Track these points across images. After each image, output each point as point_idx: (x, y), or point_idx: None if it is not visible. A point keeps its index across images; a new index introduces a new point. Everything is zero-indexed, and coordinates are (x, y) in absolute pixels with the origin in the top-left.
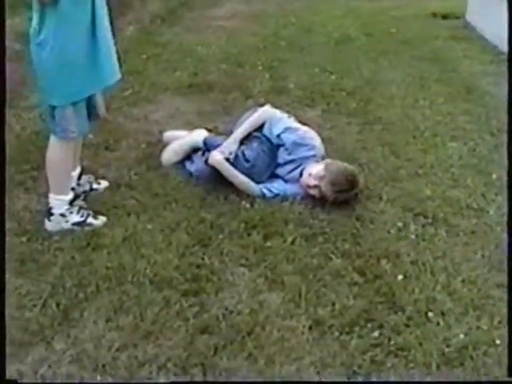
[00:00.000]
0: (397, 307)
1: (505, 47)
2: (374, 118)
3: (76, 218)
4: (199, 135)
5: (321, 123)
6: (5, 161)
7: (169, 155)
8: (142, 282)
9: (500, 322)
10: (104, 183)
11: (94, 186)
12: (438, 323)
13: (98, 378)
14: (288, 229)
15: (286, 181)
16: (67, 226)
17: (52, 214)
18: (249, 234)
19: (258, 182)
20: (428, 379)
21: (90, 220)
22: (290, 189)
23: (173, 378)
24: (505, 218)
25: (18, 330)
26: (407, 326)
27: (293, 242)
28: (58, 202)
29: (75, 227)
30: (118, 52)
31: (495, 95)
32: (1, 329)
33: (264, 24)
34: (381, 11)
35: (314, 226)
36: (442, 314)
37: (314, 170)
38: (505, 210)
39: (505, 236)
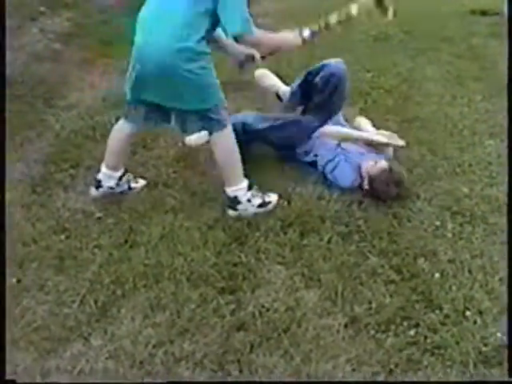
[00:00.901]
0: (434, 306)
1: None
2: (412, 116)
3: (258, 200)
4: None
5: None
6: (5, 160)
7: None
8: (178, 279)
9: None
10: (142, 182)
11: (133, 184)
12: (476, 322)
13: (135, 373)
14: (324, 226)
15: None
16: (253, 209)
17: (240, 203)
18: (285, 232)
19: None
20: (465, 378)
21: (267, 199)
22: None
23: (209, 375)
24: None
25: (56, 325)
26: (444, 324)
27: (329, 240)
28: (240, 191)
29: (259, 209)
30: None
31: None
32: (1, 329)
33: (299, 22)
34: (419, 8)
35: (350, 223)
36: (480, 312)
37: (381, 163)
38: None
39: None
